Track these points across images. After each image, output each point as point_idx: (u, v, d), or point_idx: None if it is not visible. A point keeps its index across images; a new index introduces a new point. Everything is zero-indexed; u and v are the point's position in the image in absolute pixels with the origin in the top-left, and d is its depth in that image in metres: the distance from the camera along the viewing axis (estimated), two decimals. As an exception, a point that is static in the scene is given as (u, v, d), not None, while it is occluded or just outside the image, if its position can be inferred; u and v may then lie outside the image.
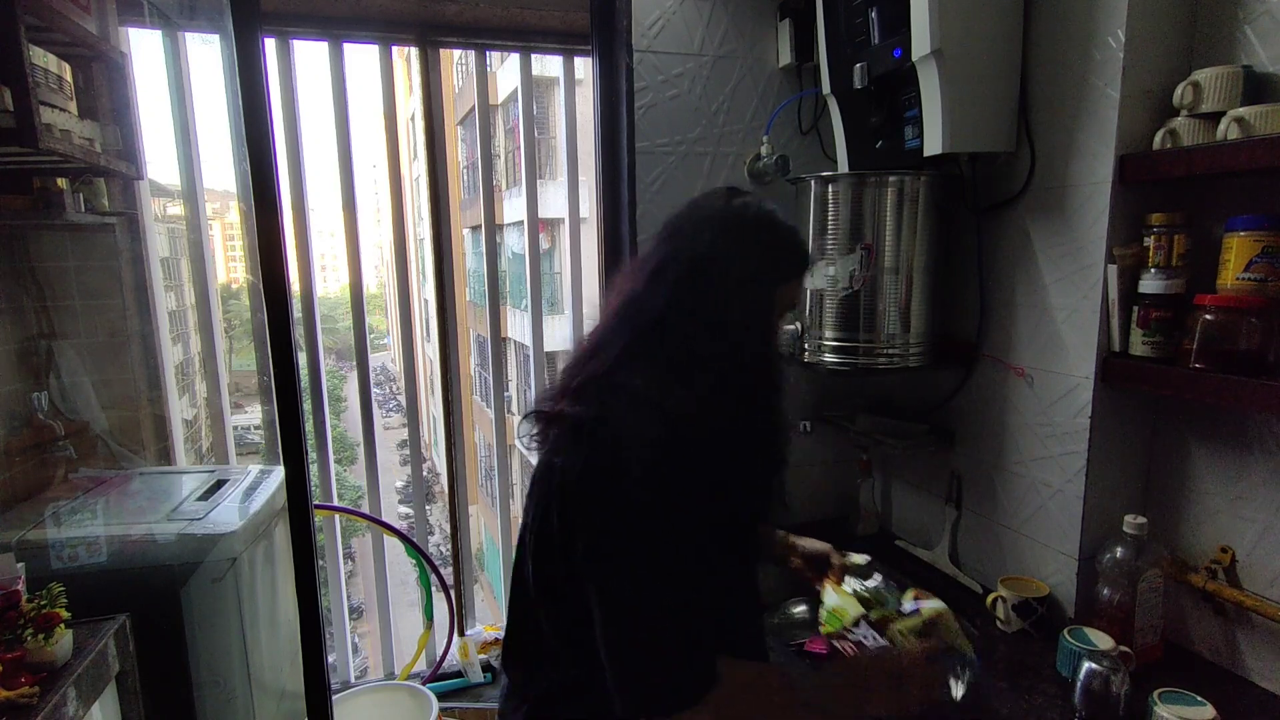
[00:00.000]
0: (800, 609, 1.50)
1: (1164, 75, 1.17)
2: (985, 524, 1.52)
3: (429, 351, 15.58)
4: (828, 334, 1.51)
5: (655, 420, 0.80)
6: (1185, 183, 1.16)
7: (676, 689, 0.77)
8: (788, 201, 1.72)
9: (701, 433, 0.81)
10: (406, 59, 11.10)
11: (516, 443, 0.97)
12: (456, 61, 11.88)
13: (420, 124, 2.07)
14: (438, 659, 2.11)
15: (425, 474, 2.33)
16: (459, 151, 12.17)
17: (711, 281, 0.86)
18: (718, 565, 0.87)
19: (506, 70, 8.89)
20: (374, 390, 2.17)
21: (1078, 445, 1.28)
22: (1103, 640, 1.14)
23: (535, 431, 0.89)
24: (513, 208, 10.03)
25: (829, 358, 1.52)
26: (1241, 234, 1.04)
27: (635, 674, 0.78)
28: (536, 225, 2.22)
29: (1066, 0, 1.25)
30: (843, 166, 1.62)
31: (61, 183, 1.63)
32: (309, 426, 1.93)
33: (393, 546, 2.17)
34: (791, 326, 1.60)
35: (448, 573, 2.17)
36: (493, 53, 2.05)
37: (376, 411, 2.19)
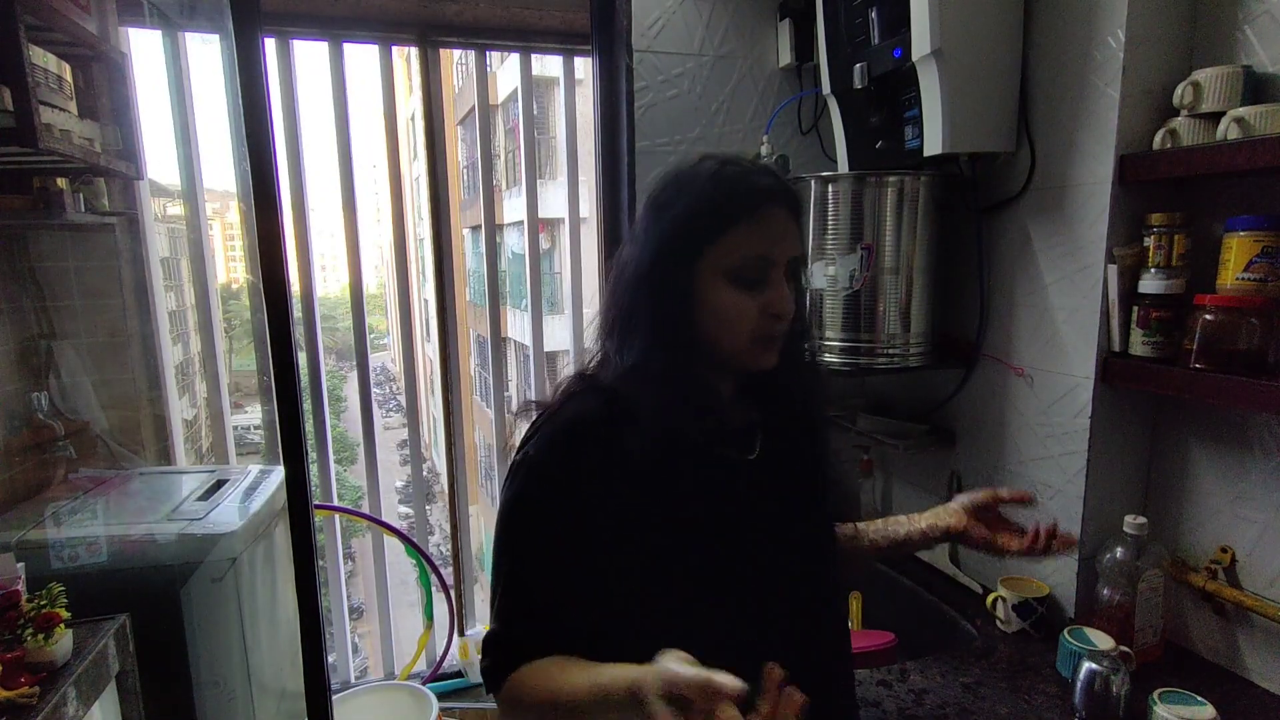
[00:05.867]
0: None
1: (1164, 75, 1.17)
2: (985, 524, 1.52)
3: (429, 351, 15.57)
4: (828, 334, 1.51)
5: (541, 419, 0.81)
6: (1185, 183, 1.16)
7: (488, 671, 0.79)
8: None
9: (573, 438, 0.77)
10: (406, 59, 11.10)
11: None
12: (456, 61, 11.88)
13: (420, 124, 2.07)
14: (438, 659, 2.11)
15: (425, 474, 2.33)
16: (459, 151, 12.16)
17: (629, 247, 0.81)
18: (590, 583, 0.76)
19: (506, 70, 8.88)
20: (374, 390, 2.17)
21: (1078, 445, 1.28)
22: (1103, 640, 1.14)
23: None
24: (513, 208, 10.03)
25: (829, 358, 1.52)
26: (1241, 234, 1.04)
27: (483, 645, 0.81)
28: (536, 225, 2.22)
29: (1066, 0, 1.25)
30: (843, 166, 1.62)
31: (61, 183, 1.63)
32: (309, 426, 1.93)
33: (393, 546, 2.17)
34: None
35: (448, 573, 2.17)
36: (493, 53, 2.05)
37: (376, 411, 2.19)
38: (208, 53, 1.83)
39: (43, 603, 1.16)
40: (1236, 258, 1.05)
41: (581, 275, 2.31)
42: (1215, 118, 1.09)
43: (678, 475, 0.77)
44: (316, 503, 1.56)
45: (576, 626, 0.77)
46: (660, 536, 0.76)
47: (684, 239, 0.77)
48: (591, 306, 2.23)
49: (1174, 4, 1.17)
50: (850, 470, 1.86)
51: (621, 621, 0.77)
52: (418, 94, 2.07)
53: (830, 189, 1.48)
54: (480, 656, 0.80)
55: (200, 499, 1.65)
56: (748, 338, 0.77)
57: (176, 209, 2.00)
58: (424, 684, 1.93)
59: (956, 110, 1.30)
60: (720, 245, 0.76)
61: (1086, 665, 1.06)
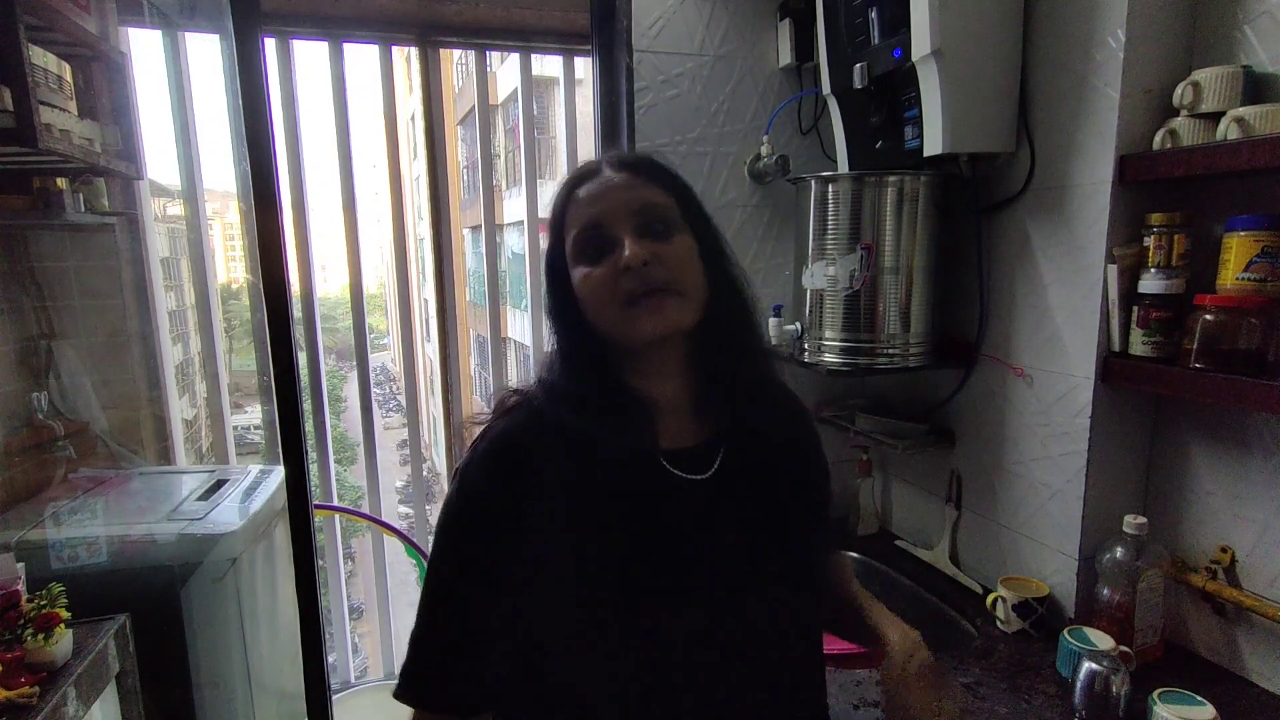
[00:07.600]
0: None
1: (1164, 75, 1.17)
2: (985, 524, 1.52)
3: (429, 351, 15.56)
4: (827, 334, 1.51)
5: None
6: (1185, 183, 1.16)
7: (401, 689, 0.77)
8: (788, 201, 1.73)
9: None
10: (406, 59, 11.09)
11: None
12: (456, 61, 11.88)
13: (420, 124, 2.08)
14: (438, 659, 2.11)
15: (425, 474, 2.33)
16: (459, 151, 12.16)
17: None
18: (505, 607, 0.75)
19: (506, 70, 8.89)
20: (374, 390, 2.17)
21: (1078, 445, 1.28)
22: (1103, 640, 1.14)
23: None
24: (513, 208, 10.03)
25: (829, 358, 1.52)
26: (1241, 234, 1.04)
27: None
28: (536, 225, 2.22)
29: (1066, 0, 1.25)
30: (843, 166, 1.62)
31: (61, 183, 1.63)
32: (309, 426, 1.93)
33: (393, 546, 2.17)
34: (791, 326, 1.60)
35: (448, 573, 2.17)
36: (493, 53, 2.05)
37: (376, 411, 2.19)
38: (208, 53, 1.83)
39: (43, 603, 1.16)
40: (1236, 258, 1.05)
41: (581, 275, 2.31)
42: (1215, 118, 1.08)
43: (601, 495, 0.74)
44: (316, 503, 1.56)
45: (485, 665, 0.76)
46: (578, 560, 0.72)
47: (553, 242, 0.82)
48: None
49: (1174, 4, 1.17)
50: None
51: (542, 648, 0.74)
52: (418, 94, 2.07)
53: (830, 189, 1.48)
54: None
55: (200, 499, 1.66)
56: (616, 304, 0.74)
57: (176, 209, 2.00)
58: (424, 684, 1.93)
59: (956, 110, 1.30)
60: (567, 236, 0.79)
61: (1086, 665, 1.06)
